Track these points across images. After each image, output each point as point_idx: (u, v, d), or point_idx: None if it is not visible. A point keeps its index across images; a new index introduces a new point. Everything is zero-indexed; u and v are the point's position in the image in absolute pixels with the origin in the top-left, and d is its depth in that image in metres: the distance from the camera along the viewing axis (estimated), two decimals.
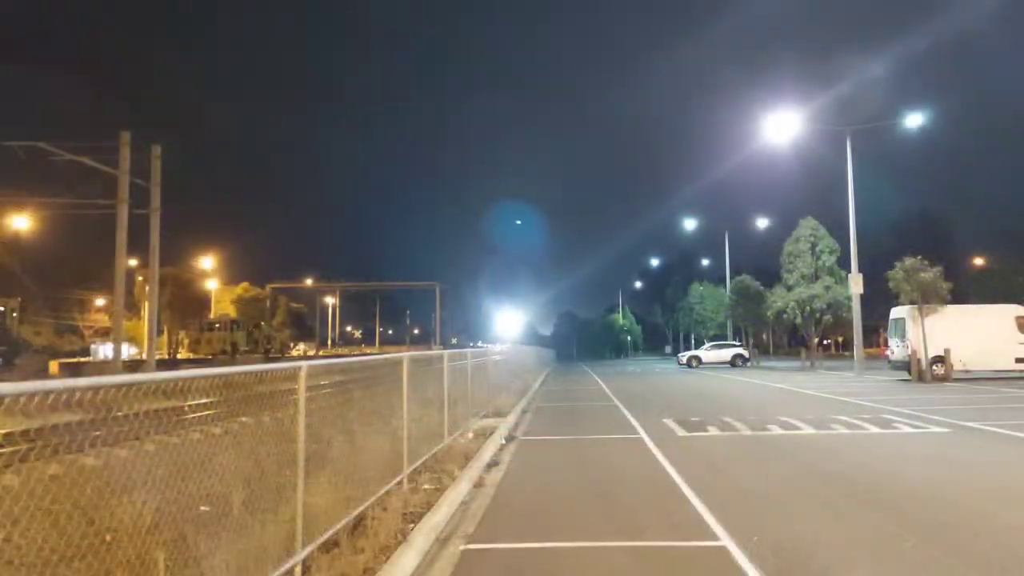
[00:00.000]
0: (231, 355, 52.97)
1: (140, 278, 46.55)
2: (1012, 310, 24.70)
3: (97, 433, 4.80)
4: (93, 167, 22.70)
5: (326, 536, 4.59)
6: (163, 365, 39.84)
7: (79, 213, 26.67)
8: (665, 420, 13.28)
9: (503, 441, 10.86)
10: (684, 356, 45.33)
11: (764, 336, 73.19)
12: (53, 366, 39.71)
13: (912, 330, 24.18)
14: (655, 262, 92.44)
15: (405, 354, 7.02)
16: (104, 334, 52.32)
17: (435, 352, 9.22)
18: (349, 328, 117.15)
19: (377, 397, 7.20)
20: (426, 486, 6.87)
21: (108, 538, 3.62)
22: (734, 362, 42.65)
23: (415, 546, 5.07)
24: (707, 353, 44.17)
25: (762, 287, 43.31)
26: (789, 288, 37.31)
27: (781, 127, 31.39)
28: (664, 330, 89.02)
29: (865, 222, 31.81)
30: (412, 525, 5.52)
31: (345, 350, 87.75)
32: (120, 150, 22.75)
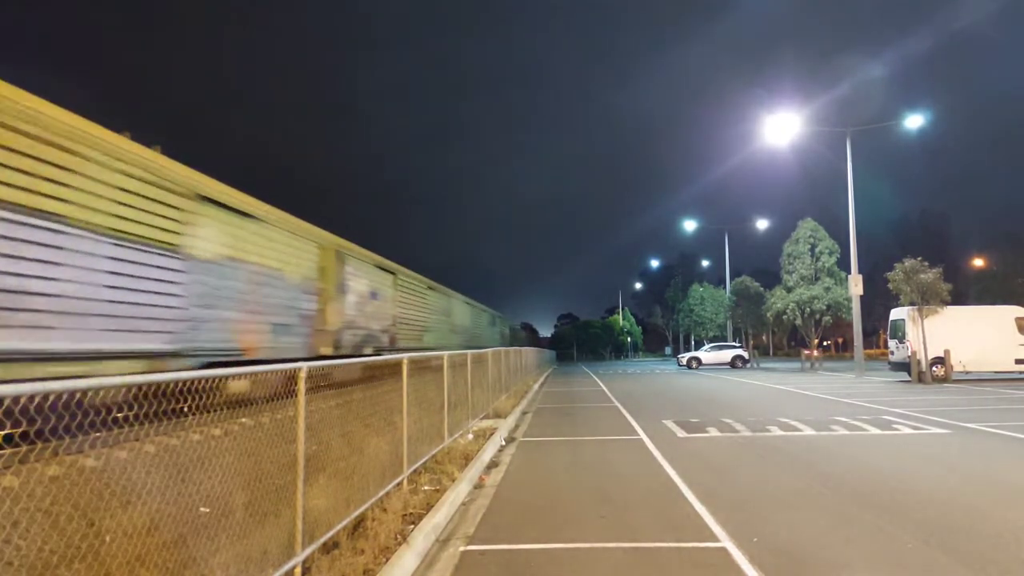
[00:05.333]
0: None
1: None
2: (1012, 311, 24.72)
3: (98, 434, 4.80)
4: None
5: (326, 537, 4.59)
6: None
7: None
8: (665, 421, 13.29)
9: (503, 442, 10.86)
10: (684, 357, 45.33)
11: (764, 337, 73.23)
12: None
13: (912, 331, 24.20)
14: (655, 263, 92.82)
15: (404, 355, 7.02)
16: None
17: (434, 353, 9.22)
18: None
19: (377, 398, 7.21)
20: (426, 487, 6.87)
21: (107, 539, 3.62)
22: (734, 363, 42.66)
23: (415, 547, 5.07)
24: (707, 354, 44.18)
25: (762, 288, 43.38)
26: (789, 289, 37.35)
27: (781, 128, 31.41)
28: (664, 331, 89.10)
29: (865, 223, 31.88)
30: (412, 526, 5.52)
31: None
32: None
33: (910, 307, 24.57)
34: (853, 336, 31.48)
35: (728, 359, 43.00)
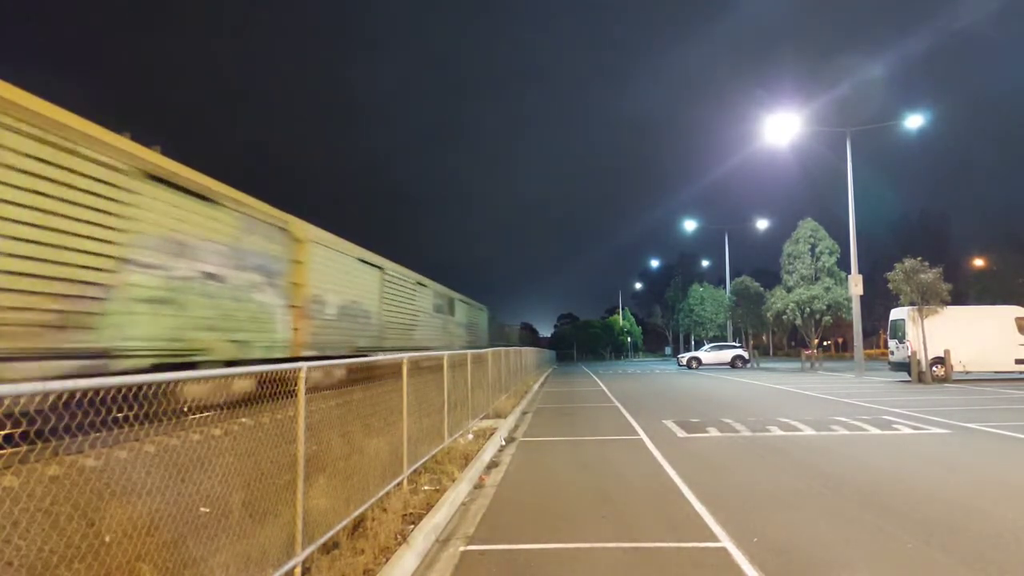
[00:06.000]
0: None
1: None
2: (1012, 311, 24.73)
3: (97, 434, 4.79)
4: None
5: (326, 537, 4.59)
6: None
7: None
8: (665, 421, 13.29)
9: (503, 442, 10.86)
10: (684, 357, 45.33)
11: (764, 337, 73.27)
12: None
13: (912, 331, 24.21)
14: (655, 263, 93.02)
15: (404, 355, 7.01)
16: None
17: (434, 353, 9.22)
18: None
19: (376, 398, 7.21)
20: (426, 487, 6.87)
21: (107, 539, 3.62)
22: (734, 363, 42.67)
23: (415, 547, 5.07)
24: (707, 354, 44.18)
25: (762, 288, 43.42)
26: (789, 289, 37.38)
27: (781, 128, 31.43)
28: (664, 331, 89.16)
29: (865, 223, 31.91)
30: (412, 526, 5.52)
31: None
32: None
33: (910, 307, 24.58)
34: (853, 336, 31.48)
35: (728, 359, 43.00)
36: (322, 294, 15.12)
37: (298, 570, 4.11)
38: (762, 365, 44.95)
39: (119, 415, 3.12)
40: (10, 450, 5.02)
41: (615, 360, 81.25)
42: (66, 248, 7.67)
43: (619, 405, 17.32)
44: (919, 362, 23.68)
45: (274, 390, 4.24)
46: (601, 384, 27.29)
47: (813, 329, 36.83)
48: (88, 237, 8.00)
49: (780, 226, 47.41)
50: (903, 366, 24.81)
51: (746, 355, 43.95)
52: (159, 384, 3.15)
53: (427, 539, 5.42)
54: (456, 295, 31.92)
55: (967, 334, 24.03)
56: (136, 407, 3.29)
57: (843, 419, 12.96)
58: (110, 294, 8.35)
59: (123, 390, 2.96)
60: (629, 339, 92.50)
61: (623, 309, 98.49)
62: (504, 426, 12.06)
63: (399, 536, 5.22)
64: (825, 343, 70.50)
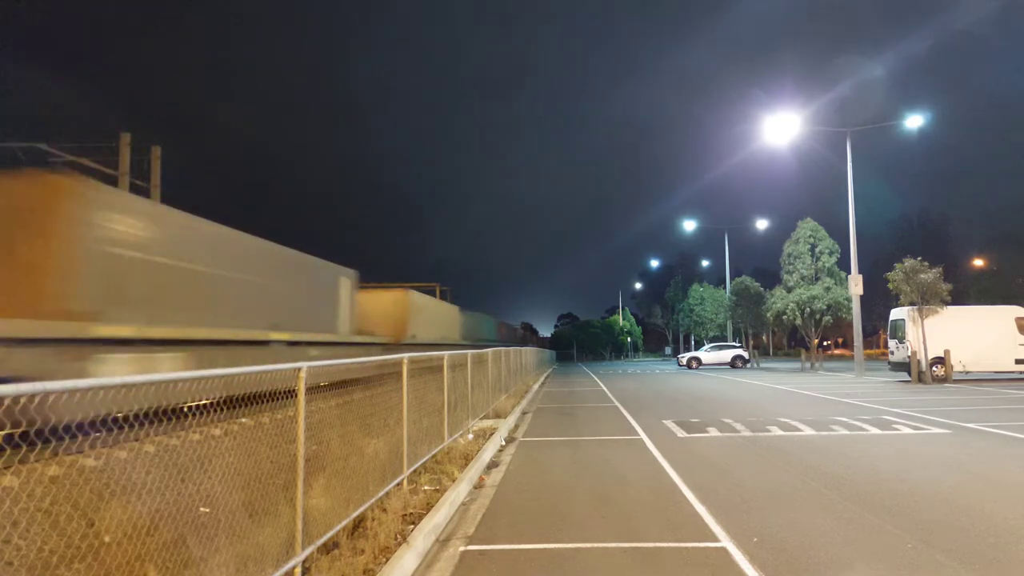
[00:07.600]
0: None
1: None
2: (1012, 311, 24.74)
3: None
4: (93, 168, 22.74)
5: (326, 537, 4.58)
6: None
7: None
8: (665, 421, 13.29)
9: (503, 442, 10.86)
10: (684, 357, 45.33)
11: (764, 337, 73.30)
12: None
13: (912, 331, 24.22)
14: (655, 263, 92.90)
15: (405, 355, 7.01)
16: None
17: (435, 353, 9.21)
18: None
19: (377, 398, 7.21)
20: (426, 487, 6.87)
21: (107, 539, 3.62)
22: (734, 363, 42.68)
23: (415, 547, 5.07)
24: (707, 354, 44.20)
25: (762, 288, 43.41)
26: (789, 289, 37.35)
27: (781, 128, 31.42)
28: (664, 331, 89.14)
29: (865, 223, 31.91)
30: (412, 526, 5.52)
31: None
32: (120, 151, 22.77)
33: (910, 307, 24.58)
34: (853, 336, 31.48)
35: (728, 359, 43.01)
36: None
37: (298, 570, 4.10)
38: (762, 365, 44.97)
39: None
40: (10, 449, 5.02)
41: (615, 360, 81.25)
42: None
43: (619, 405, 17.32)
44: (919, 362, 23.68)
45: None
46: (601, 384, 27.29)
47: (813, 329, 36.81)
48: None
49: (780, 226, 47.42)
50: (903, 366, 24.81)
51: (746, 355, 43.96)
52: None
53: (427, 539, 5.42)
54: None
55: (967, 334, 24.03)
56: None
57: (843, 419, 12.96)
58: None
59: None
60: (629, 339, 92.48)
61: (623, 309, 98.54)
62: (504, 426, 12.06)
63: (399, 536, 5.22)
64: (825, 343, 70.51)
